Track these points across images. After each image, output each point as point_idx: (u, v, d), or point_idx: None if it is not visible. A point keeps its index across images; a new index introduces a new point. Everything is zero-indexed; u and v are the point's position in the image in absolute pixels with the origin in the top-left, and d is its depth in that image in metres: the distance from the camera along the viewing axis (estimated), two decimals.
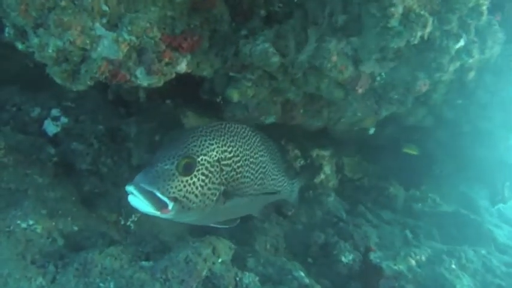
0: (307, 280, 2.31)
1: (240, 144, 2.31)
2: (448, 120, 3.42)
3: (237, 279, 2.21)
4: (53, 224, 2.48)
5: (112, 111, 3.65)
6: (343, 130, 3.32)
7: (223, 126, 2.29)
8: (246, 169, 2.34)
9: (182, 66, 2.22)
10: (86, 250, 2.27)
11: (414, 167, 4.57)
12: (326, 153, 4.42)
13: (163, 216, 2.05)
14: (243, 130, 2.39)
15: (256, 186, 2.45)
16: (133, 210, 3.11)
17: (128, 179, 3.21)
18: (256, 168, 2.43)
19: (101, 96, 3.70)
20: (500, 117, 3.35)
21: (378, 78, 2.68)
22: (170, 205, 1.98)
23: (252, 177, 2.39)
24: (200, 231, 3.30)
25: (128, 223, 3.12)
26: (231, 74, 2.57)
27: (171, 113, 3.76)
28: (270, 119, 2.90)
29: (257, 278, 2.24)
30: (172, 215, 2.06)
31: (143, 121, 3.43)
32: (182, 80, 3.18)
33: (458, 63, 2.70)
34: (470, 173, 4.03)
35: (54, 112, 3.49)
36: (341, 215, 3.59)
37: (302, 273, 2.36)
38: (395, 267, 2.49)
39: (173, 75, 2.22)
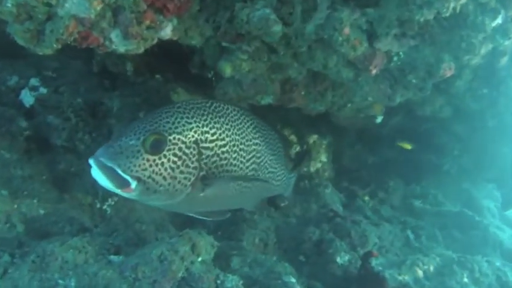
0: (298, 287, 2.04)
1: (228, 127, 2.03)
2: (469, 112, 3.06)
3: (218, 282, 1.94)
4: (15, 206, 2.23)
5: (96, 84, 3.39)
6: (347, 117, 3.00)
7: (208, 104, 2.01)
8: (234, 156, 2.06)
9: (167, 32, 1.90)
10: (48, 239, 2.00)
11: (418, 161, 4.30)
12: (324, 140, 4.14)
13: (126, 195, 1.83)
14: (235, 112, 2.11)
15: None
16: (110, 193, 2.88)
17: None
18: (247, 157, 2.15)
19: (86, 67, 3.42)
20: None
21: (395, 58, 2.35)
22: (133, 184, 1.75)
23: (241, 165, 2.11)
24: (184, 220, 3.04)
25: (105, 207, 2.84)
26: (224, 44, 2.23)
27: (160, 88, 3.49)
28: (267, 100, 2.56)
29: (241, 282, 1.97)
30: (136, 196, 1.84)
31: (128, 95, 3.13)
32: (174, 53, 2.90)
33: (490, 46, 2.35)
34: (489, 172, 3.65)
35: (33, 82, 3.22)
36: (338, 210, 3.32)
37: (293, 279, 2.09)
38: (400, 278, 2.21)
39: (155, 41, 1.90)
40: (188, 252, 1.93)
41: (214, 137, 1.97)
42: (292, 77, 2.40)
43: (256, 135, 2.23)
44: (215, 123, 1.97)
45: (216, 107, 2.03)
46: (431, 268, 2.31)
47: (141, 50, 1.90)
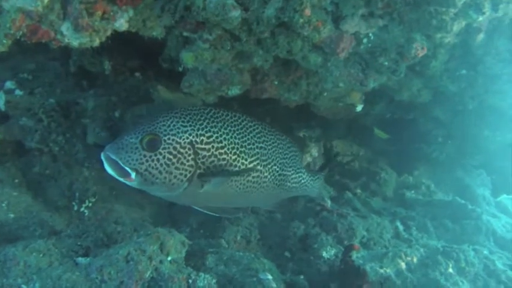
0: (274, 285, 1.95)
1: (227, 131, 2.28)
2: (449, 95, 2.90)
3: (190, 281, 1.86)
4: None
5: (73, 85, 3.30)
6: (328, 107, 2.90)
7: (206, 111, 2.27)
8: (234, 158, 2.30)
9: (122, 23, 1.80)
10: (13, 243, 1.92)
11: (408, 151, 4.21)
12: (313, 134, 4.04)
13: (131, 184, 2.13)
14: (235, 118, 2.35)
15: (250, 177, 2.40)
16: (86, 194, 2.80)
17: (85, 159, 2.90)
18: (250, 160, 2.37)
19: (64, 68, 3.34)
20: None
21: (364, 41, 2.26)
22: (133, 174, 2.07)
23: (242, 167, 2.34)
24: (167, 219, 2.97)
25: (82, 209, 2.77)
26: (185, 33, 2.14)
27: (139, 86, 3.41)
28: (234, 90, 2.45)
29: (214, 281, 1.89)
30: (137, 185, 2.14)
31: (103, 94, 3.05)
32: (156, 51, 2.80)
33: (463, 22, 2.22)
34: (474, 158, 3.45)
35: (9, 84, 3.13)
36: (326, 203, 3.23)
37: (269, 276, 2.00)
38: (381, 271, 2.09)
39: (109, 33, 1.81)
40: (157, 252, 1.85)
41: (211, 140, 2.21)
42: (261, 67, 2.30)
43: (261, 140, 2.45)
44: (212, 127, 2.22)
45: (214, 113, 2.27)
46: (415, 260, 2.20)
47: (96, 43, 1.80)
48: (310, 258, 2.66)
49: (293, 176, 2.71)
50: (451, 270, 2.18)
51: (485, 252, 2.54)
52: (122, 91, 3.27)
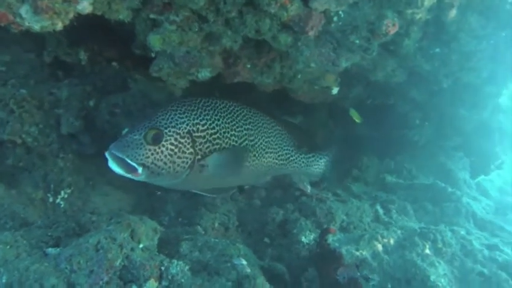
0: (248, 269, 1.93)
1: (217, 118, 2.42)
2: (424, 75, 2.85)
3: (162, 268, 1.83)
4: None
5: (48, 76, 3.23)
6: (305, 91, 2.86)
7: (197, 101, 2.40)
8: (226, 141, 2.45)
9: (85, 5, 1.75)
10: None
11: (390, 136, 4.20)
12: (294, 120, 4.03)
13: (138, 178, 2.20)
14: (223, 105, 2.50)
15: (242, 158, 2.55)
16: (61, 185, 2.75)
17: (59, 150, 2.85)
18: (239, 141, 2.53)
19: (39, 59, 3.28)
20: (489, 70, 2.77)
21: (335, 19, 2.22)
22: (140, 169, 2.14)
23: None
24: (146, 208, 2.94)
25: (58, 200, 2.73)
26: (152, 16, 2.09)
27: (117, 76, 3.36)
28: (204, 73, 2.42)
29: (187, 267, 1.86)
30: (144, 178, 2.21)
31: (78, 84, 2.99)
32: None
33: None
34: (452, 140, 3.38)
35: None
36: (306, 188, 3.22)
37: (243, 261, 1.98)
38: (357, 253, 2.08)
39: (71, 16, 1.75)
40: (127, 239, 1.83)
41: (205, 127, 2.36)
42: (227, 46, 2.26)
43: (247, 122, 2.60)
44: (205, 115, 2.37)
45: (205, 103, 2.41)
46: (392, 241, 2.19)
47: (58, 27, 1.75)
48: (290, 243, 2.65)
49: (280, 153, 2.83)
50: (427, 251, 2.16)
51: (463, 232, 2.55)
52: (99, 81, 3.23)
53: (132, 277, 1.79)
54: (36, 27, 1.70)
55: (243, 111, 2.60)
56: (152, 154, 2.17)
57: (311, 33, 2.11)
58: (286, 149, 2.90)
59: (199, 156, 2.33)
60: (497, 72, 2.68)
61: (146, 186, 3.12)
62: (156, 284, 1.79)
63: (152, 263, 1.82)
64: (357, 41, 2.29)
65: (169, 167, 2.22)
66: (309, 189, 3.29)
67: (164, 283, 1.80)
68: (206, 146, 2.35)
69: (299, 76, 2.60)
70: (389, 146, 4.41)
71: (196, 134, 2.32)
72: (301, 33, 2.15)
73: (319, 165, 3.16)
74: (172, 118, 2.28)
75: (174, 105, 2.34)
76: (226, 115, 2.49)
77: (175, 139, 2.25)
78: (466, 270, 2.30)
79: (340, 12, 2.19)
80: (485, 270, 2.31)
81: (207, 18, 2.07)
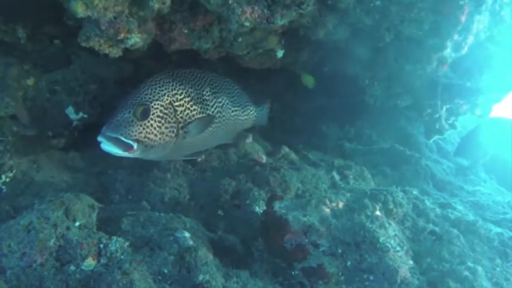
0: (190, 242, 1.86)
1: (190, 86, 2.62)
2: (366, 30, 2.74)
3: (101, 246, 1.76)
4: None
5: None
6: (252, 57, 2.78)
7: (171, 73, 2.58)
8: (200, 106, 2.65)
9: None
10: None
11: (345, 101, 4.16)
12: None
13: (132, 155, 2.32)
14: (191, 74, 2.69)
15: (216, 119, 2.77)
16: (2, 169, 2.63)
17: None
18: (211, 104, 2.75)
19: None
20: (431, 21, 2.66)
21: None
22: (135, 145, 2.27)
23: (207, 112, 2.70)
24: (95, 189, 2.83)
25: None
26: None
27: (60, 53, 3.21)
28: (134, 39, 2.28)
29: (127, 243, 1.79)
30: (139, 154, 2.35)
31: (14, 63, 2.84)
32: None
33: None
34: (402, 98, 3.27)
35: None
36: (260, 159, 3.17)
37: (186, 234, 1.91)
38: (304, 219, 2.02)
39: None
40: (62, 218, 1.74)
41: (182, 96, 2.54)
42: (156, 9, 2.14)
43: (213, 85, 2.81)
44: (180, 85, 2.55)
45: (177, 74, 2.60)
46: (340, 205, 2.14)
47: None
48: (243, 214, 2.60)
49: (242, 109, 3.11)
50: (378, 212, 2.13)
51: (415, 192, 2.54)
52: (39, 58, 3.09)
53: (70, 257, 1.71)
54: None
55: (208, 77, 2.80)
56: (144, 129, 2.30)
57: None
58: (247, 105, 3.19)
59: (182, 124, 2.51)
60: (441, 23, 2.60)
61: (95, 166, 3.03)
62: (94, 263, 1.72)
63: (89, 241, 1.74)
64: None
65: (160, 138, 2.38)
66: (264, 159, 3.24)
67: (103, 261, 1.73)
68: (186, 113, 2.54)
69: (240, 39, 2.52)
70: (348, 112, 4.39)
71: (176, 104, 2.50)
72: None
73: (264, 115, 3.51)
74: (154, 92, 2.43)
75: (153, 80, 2.48)
76: (196, 83, 2.68)
77: (161, 111, 2.40)
78: (418, 230, 2.29)
79: None
80: (437, 229, 2.30)
81: None
